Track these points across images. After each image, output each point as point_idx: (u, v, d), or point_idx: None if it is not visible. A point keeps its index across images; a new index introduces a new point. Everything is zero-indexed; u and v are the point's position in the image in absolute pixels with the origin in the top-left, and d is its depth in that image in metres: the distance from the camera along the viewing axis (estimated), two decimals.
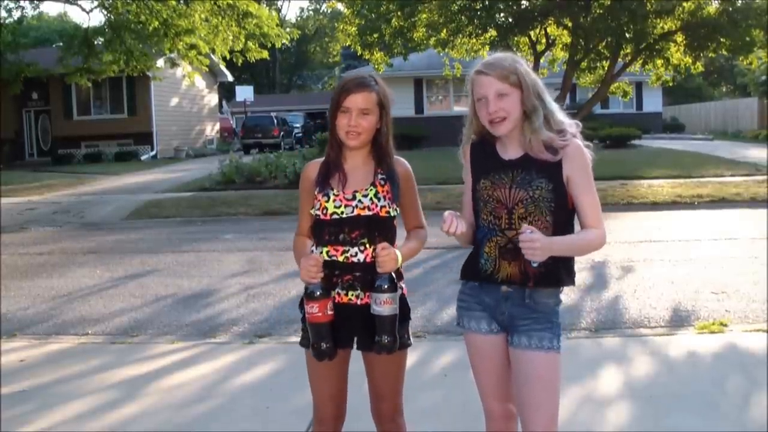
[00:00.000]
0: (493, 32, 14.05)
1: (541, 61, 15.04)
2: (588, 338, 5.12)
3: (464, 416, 3.66)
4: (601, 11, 13.03)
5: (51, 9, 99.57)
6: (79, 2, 17.57)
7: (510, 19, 13.92)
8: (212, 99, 35.79)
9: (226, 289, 7.14)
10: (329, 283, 2.48)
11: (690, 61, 13.85)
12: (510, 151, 2.43)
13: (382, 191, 2.50)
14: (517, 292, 2.39)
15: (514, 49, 14.17)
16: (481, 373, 2.53)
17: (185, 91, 30.75)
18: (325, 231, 2.50)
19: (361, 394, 2.65)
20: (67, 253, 9.67)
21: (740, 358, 4.57)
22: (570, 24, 13.38)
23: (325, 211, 2.49)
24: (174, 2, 14.87)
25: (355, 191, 2.50)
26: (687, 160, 19.22)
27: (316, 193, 2.54)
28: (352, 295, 2.49)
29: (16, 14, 19.49)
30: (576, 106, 17.42)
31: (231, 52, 16.27)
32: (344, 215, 2.47)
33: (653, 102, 32.60)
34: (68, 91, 27.64)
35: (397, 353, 2.48)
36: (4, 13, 19.08)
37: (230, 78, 36.23)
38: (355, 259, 2.47)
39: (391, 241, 2.50)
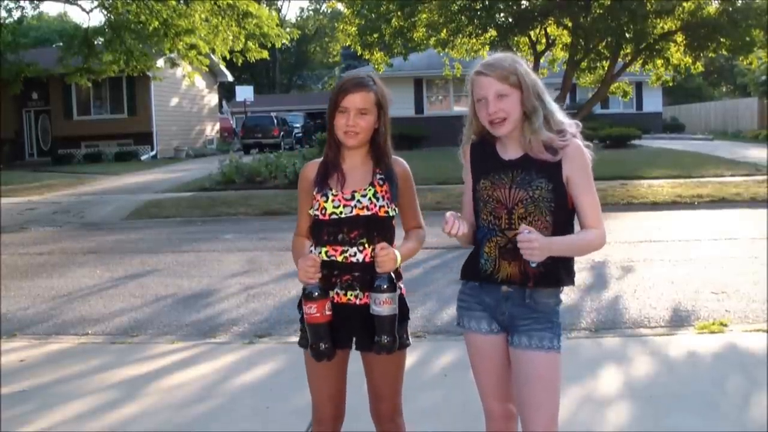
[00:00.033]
0: (493, 32, 14.05)
1: (541, 61, 15.04)
2: (588, 338, 5.13)
3: (464, 416, 3.66)
4: (601, 11, 13.03)
5: (51, 9, 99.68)
6: (79, 2, 17.58)
7: (510, 19, 13.92)
8: (212, 99, 35.79)
9: (226, 289, 7.14)
10: (328, 283, 2.48)
11: (690, 61, 13.85)
12: (510, 151, 2.43)
13: (381, 191, 2.50)
14: (518, 292, 2.39)
15: (514, 49, 14.18)
16: (481, 373, 2.53)
17: (185, 91, 30.76)
18: (323, 231, 2.50)
19: (361, 394, 2.65)
20: (67, 253, 9.67)
21: (740, 358, 4.57)
22: (570, 24, 13.38)
23: (324, 211, 2.49)
24: (174, 2, 14.87)
25: (354, 191, 2.50)
26: (687, 160, 19.22)
27: (314, 193, 2.54)
28: (351, 295, 2.49)
29: (16, 14, 19.51)
30: (576, 106, 17.42)
31: (231, 52, 16.26)
32: (343, 215, 2.47)
33: (653, 102, 32.60)
34: (68, 91, 27.64)
35: (396, 353, 2.48)
36: (4, 13, 19.10)
37: (230, 78, 36.23)
38: (354, 259, 2.47)
39: (390, 241, 2.50)
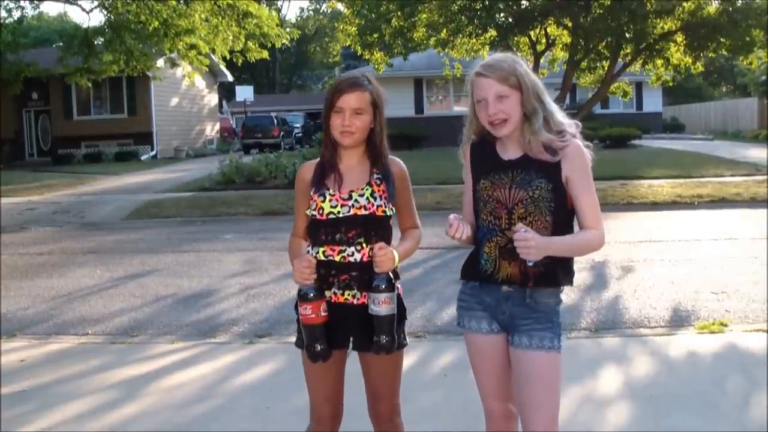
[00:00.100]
0: (493, 32, 14.05)
1: (541, 61, 15.04)
2: (588, 338, 5.13)
3: (464, 416, 3.66)
4: (601, 11, 13.03)
5: (51, 9, 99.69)
6: (79, 2, 17.58)
7: (510, 19, 13.92)
8: (212, 99, 35.79)
9: (226, 289, 7.14)
10: (326, 283, 2.48)
11: (690, 61, 13.85)
12: (510, 151, 2.43)
13: (378, 191, 2.51)
14: (518, 291, 2.39)
15: (514, 49, 14.17)
16: (481, 373, 2.53)
17: (185, 91, 30.75)
18: (321, 231, 2.50)
19: (360, 394, 2.65)
20: (67, 253, 9.67)
21: (740, 358, 4.57)
22: (570, 24, 13.38)
23: (321, 211, 2.49)
24: (174, 2, 14.87)
25: (351, 191, 2.50)
26: (687, 160, 19.22)
27: (311, 193, 2.54)
28: (349, 294, 2.49)
29: (16, 14, 19.52)
30: (576, 106, 17.41)
31: (231, 52, 16.26)
32: (341, 215, 2.47)
33: (653, 102, 32.61)
34: (68, 91, 27.63)
35: (394, 353, 2.49)
36: (4, 13, 19.11)
37: (230, 78, 36.23)
38: (351, 259, 2.47)
39: (388, 241, 2.50)
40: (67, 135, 28.31)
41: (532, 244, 2.22)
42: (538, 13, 13.44)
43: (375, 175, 2.53)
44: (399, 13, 14.15)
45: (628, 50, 13.49)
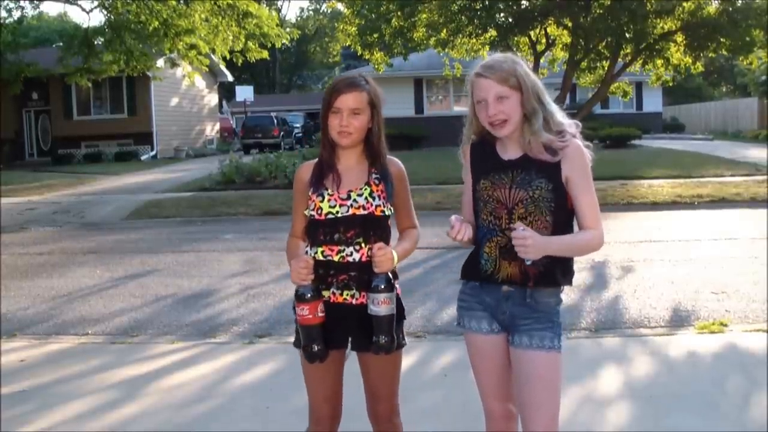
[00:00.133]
0: (493, 32, 14.04)
1: (541, 61, 15.04)
2: (588, 338, 5.13)
3: (464, 416, 3.66)
4: (601, 11, 13.02)
5: (51, 9, 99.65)
6: (79, 2, 17.58)
7: (510, 19, 13.91)
8: (212, 99, 35.79)
9: (226, 289, 7.14)
10: (325, 283, 2.48)
11: (690, 61, 13.85)
12: (510, 151, 2.43)
13: (377, 190, 2.51)
14: (518, 291, 2.39)
15: (514, 49, 14.17)
16: (481, 373, 2.53)
17: (185, 91, 30.75)
18: (320, 231, 2.50)
19: (359, 394, 2.65)
20: (67, 253, 9.67)
21: (740, 358, 4.57)
22: (570, 24, 13.38)
23: (320, 211, 2.49)
24: (174, 2, 14.87)
25: (350, 191, 2.50)
26: (687, 160, 19.22)
27: (310, 193, 2.54)
28: (348, 294, 2.49)
29: (16, 14, 19.52)
30: (576, 106, 17.41)
31: (231, 52, 16.26)
32: (339, 215, 2.47)
33: (653, 102, 32.61)
34: (68, 91, 27.63)
35: (393, 353, 2.49)
36: (4, 13, 19.12)
37: (230, 78, 36.23)
38: (350, 259, 2.47)
39: (386, 241, 2.50)
40: (67, 135, 28.31)
41: (530, 242, 2.22)
42: (538, 13, 13.43)
43: (373, 175, 2.53)
44: (399, 13, 14.15)
45: (628, 50, 13.49)
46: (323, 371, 2.53)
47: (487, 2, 13.48)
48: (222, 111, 41.82)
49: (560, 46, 14.73)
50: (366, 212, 2.47)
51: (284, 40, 17.13)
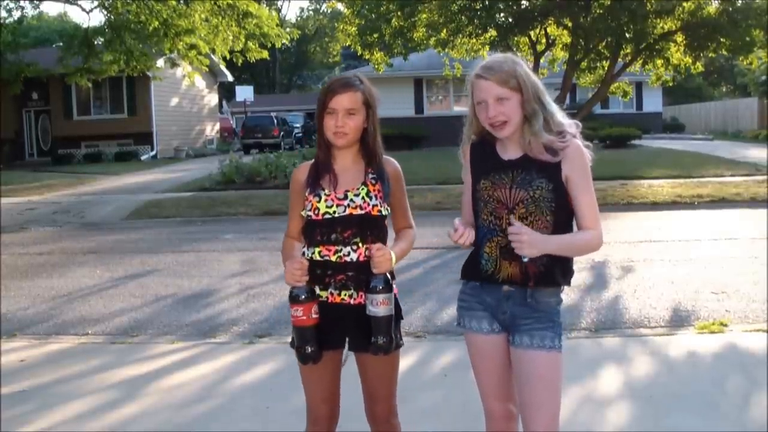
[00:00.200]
0: (493, 32, 14.05)
1: (541, 61, 15.04)
2: (588, 338, 5.13)
3: (464, 416, 3.66)
4: (601, 11, 13.03)
5: (51, 9, 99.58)
6: (79, 2, 17.59)
7: (510, 19, 13.91)
8: (212, 99, 35.79)
9: (226, 289, 7.14)
10: (322, 283, 2.49)
11: (690, 61, 13.85)
12: (510, 152, 2.43)
13: (374, 190, 2.51)
14: (519, 291, 2.39)
15: (514, 49, 14.18)
16: (481, 373, 2.53)
17: (185, 91, 30.75)
18: (317, 231, 2.50)
19: (358, 394, 2.64)
20: (67, 253, 9.67)
21: (740, 358, 4.57)
22: (570, 24, 13.38)
23: (317, 212, 2.49)
24: (174, 2, 14.87)
25: (347, 191, 2.50)
26: (687, 160, 19.22)
27: (307, 194, 2.54)
28: (345, 294, 2.49)
29: (16, 14, 19.53)
30: (576, 106, 17.41)
31: (231, 52, 16.26)
32: (336, 215, 2.47)
33: (653, 102, 32.60)
34: (68, 91, 27.63)
35: (391, 354, 2.48)
36: (4, 13, 19.12)
37: (230, 78, 36.23)
38: (348, 259, 2.47)
39: (383, 241, 2.51)
40: (67, 135, 28.31)
41: (525, 238, 2.23)
42: (538, 13, 13.44)
43: (370, 175, 2.53)
44: (399, 13, 14.15)
45: (628, 50, 13.49)
46: (321, 372, 2.53)
47: (487, 2, 13.48)
48: (222, 111, 41.82)
49: (560, 46, 14.74)
50: (363, 212, 2.47)
51: (284, 40, 17.13)
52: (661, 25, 13.13)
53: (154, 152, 28.57)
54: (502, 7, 13.85)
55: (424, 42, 14.95)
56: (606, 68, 13.97)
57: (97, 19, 74.29)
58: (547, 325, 2.38)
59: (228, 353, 4.99)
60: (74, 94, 28.20)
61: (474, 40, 14.50)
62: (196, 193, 15.73)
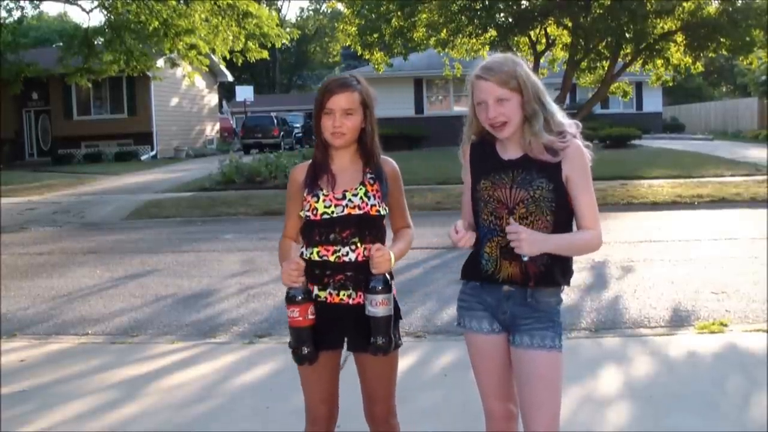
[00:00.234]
0: (493, 32, 14.05)
1: (541, 61, 15.04)
2: (588, 338, 5.12)
3: (464, 416, 3.66)
4: (601, 11, 13.03)
5: (51, 9, 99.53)
6: (79, 2, 17.59)
7: (510, 19, 13.92)
8: (212, 99, 35.79)
9: (226, 289, 7.14)
10: (321, 283, 2.49)
11: (690, 61, 13.85)
12: (510, 151, 2.43)
13: (372, 190, 2.51)
14: (519, 291, 2.39)
15: (514, 49, 14.18)
16: (482, 373, 2.53)
17: (185, 91, 30.75)
18: (315, 231, 2.50)
19: (357, 394, 2.64)
20: (67, 253, 9.67)
21: (740, 358, 4.56)
22: (570, 24, 13.38)
23: (315, 212, 2.49)
24: (174, 2, 14.87)
25: (345, 191, 2.50)
26: (687, 160, 19.22)
27: (305, 194, 2.54)
28: (344, 294, 2.48)
29: (16, 14, 19.57)
30: (576, 106, 17.41)
31: (231, 52, 16.27)
32: (335, 215, 2.47)
33: (653, 102, 32.60)
34: (68, 91, 27.63)
35: (390, 354, 2.48)
36: (4, 13, 19.14)
37: (230, 78, 36.23)
38: (346, 259, 2.47)
39: (382, 240, 2.51)
40: (67, 135, 28.31)
41: (523, 237, 2.23)
42: (538, 13, 13.44)
43: (368, 175, 2.53)
44: (399, 13, 14.15)
45: (628, 50, 13.49)
46: (319, 372, 2.53)
47: (487, 2, 13.48)
48: (222, 111, 41.82)
49: (560, 46, 14.74)
50: (361, 212, 2.47)
51: (284, 40, 17.14)
52: (661, 25, 13.13)
53: (154, 152, 28.58)
54: (502, 7, 13.85)
55: (424, 42, 14.95)
56: (606, 68, 13.97)
57: (97, 19, 74.35)
58: (548, 324, 2.38)
59: (228, 353, 4.99)
60: (74, 94, 28.20)
61: (474, 40, 14.50)
62: (196, 193, 15.73)
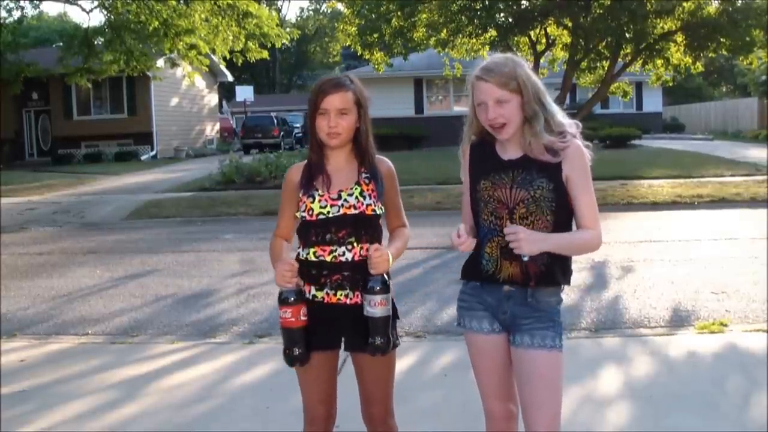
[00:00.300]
0: (493, 32, 14.05)
1: (541, 61, 15.04)
2: (588, 338, 5.12)
3: (464, 416, 3.66)
4: (601, 11, 13.03)
5: (51, 9, 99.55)
6: (79, 2, 17.58)
7: (510, 19, 13.92)
8: (212, 99, 35.79)
9: (226, 289, 7.14)
10: (318, 284, 2.49)
11: (690, 61, 13.85)
12: (510, 152, 2.43)
13: (367, 190, 2.51)
14: (519, 291, 2.39)
15: (514, 49, 14.18)
16: (482, 373, 2.53)
17: (185, 91, 30.75)
18: (311, 232, 2.50)
19: (354, 395, 2.64)
20: (67, 253, 9.67)
21: (740, 358, 4.56)
22: (570, 24, 13.38)
23: (311, 212, 2.49)
24: (174, 2, 14.87)
25: (340, 191, 2.50)
26: (687, 160, 19.22)
27: (300, 195, 2.53)
28: (341, 294, 2.48)
29: (16, 14, 19.58)
30: (576, 106, 17.42)
31: (231, 52, 16.27)
32: (330, 215, 2.47)
33: (653, 102, 32.60)
34: (68, 91, 27.63)
35: (388, 355, 2.48)
36: (4, 13, 19.14)
37: (230, 78, 36.23)
38: (343, 259, 2.47)
39: (378, 240, 2.51)
40: (67, 135, 28.31)
41: (522, 236, 2.23)
42: (538, 13, 13.44)
43: (363, 175, 2.53)
44: (399, 13, 14.15)
45: (628, 50, 13.49)
46: (317, 373, 2.53)
47: (487, 2, 13.48)
48: (222, 111, 41.82)
49: (560, 46, 14.74)
50: (357, 212, 2.47)
51: (284, 40, 17.14)
52: (661, 25, 13.13)
53: (154, 152, 28.58)
54: (502, 7, 13.85)
55: (424, 42, 14.95)
56: (606, 68, 13.97)
57: (97, 19, 74.31)
58: (548, 324, 2.39)
59: (228, 353, 4.99)
60: (74, 94, 28.20)
61: (474, 40, 14.50)
62: (196, 193, 15.73)
